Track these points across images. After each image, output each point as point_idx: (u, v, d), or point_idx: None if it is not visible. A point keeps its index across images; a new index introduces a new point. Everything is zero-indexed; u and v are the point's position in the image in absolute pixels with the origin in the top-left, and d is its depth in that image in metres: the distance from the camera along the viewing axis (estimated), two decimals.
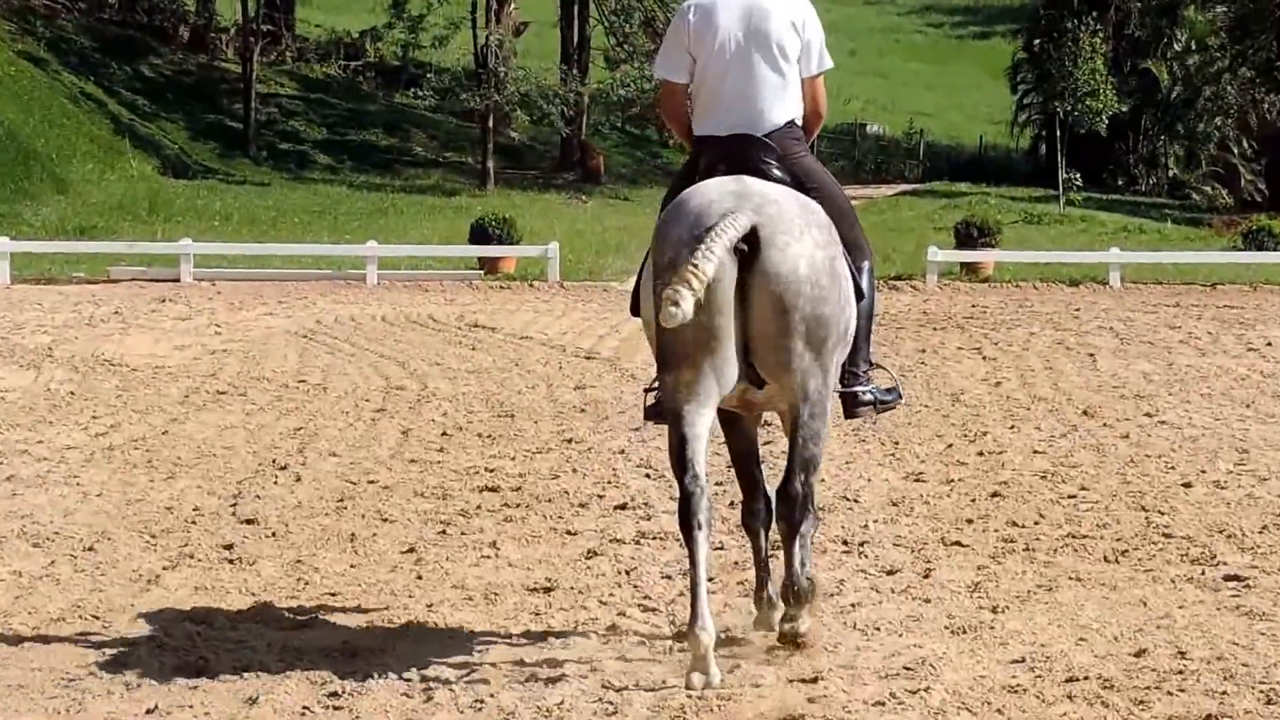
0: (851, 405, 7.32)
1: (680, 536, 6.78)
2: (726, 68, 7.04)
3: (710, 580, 7.12)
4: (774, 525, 7.11)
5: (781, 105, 7.06)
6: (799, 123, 7.17)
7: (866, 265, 7.17)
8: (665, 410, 6.69)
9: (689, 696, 6.27)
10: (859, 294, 7.00)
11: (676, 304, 6.12)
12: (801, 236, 6.57)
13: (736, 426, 7.23)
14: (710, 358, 6.48)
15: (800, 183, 6.99)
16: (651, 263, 6.77)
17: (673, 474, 6.68)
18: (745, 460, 7.27)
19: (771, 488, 7.12)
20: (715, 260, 6.25)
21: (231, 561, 8.61)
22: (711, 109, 7.08)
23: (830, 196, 7.08)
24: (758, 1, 7.06)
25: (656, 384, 6.98)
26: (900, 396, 7.55)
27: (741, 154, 6.96)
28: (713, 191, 6.68)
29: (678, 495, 6.57)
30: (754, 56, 7.03)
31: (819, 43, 7.17)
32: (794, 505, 6.77)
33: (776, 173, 6.95)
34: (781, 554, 7.05)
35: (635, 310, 7.15)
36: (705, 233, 6.38)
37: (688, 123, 7.25)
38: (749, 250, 6.45)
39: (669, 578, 8.17)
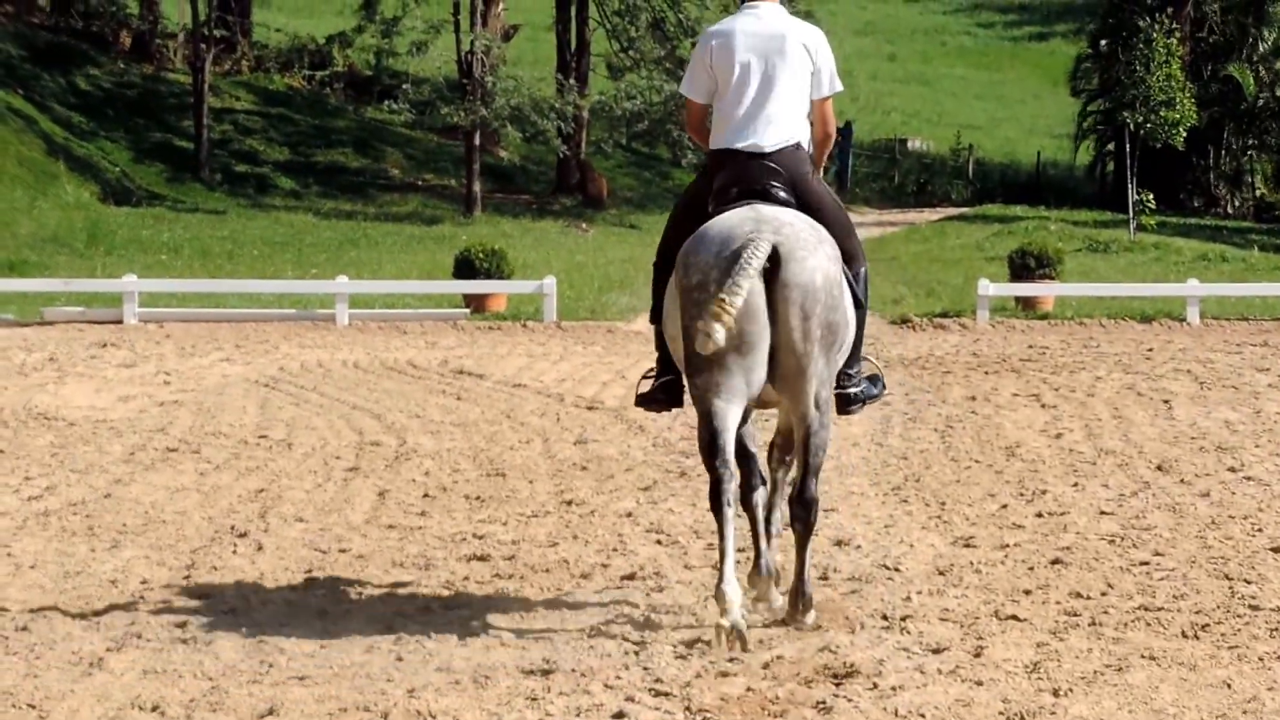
0: (844, 405, 9.16)
1: (712, 517, 8.55)
2: (742, 90, 8.88)
3: (739, 551, 8.84)
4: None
5: (790, 126, 8.88)
6: (805, 144, 8.96)
7: (862, 271, 8.99)
8: (698, 407, 8.48)
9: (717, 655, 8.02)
10: (857, 304, 8.81)
11: (709, 335, 8.01)
12: (815, 251, 8.40)
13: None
14: (741, 361, 8.29)
15: (803, 200, 8.80)
16: (678, 286, 8.49)
17: (703, 462, 8.51)
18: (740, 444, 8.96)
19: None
20: (743, 294, 8.06)
21: (185, 642, 8.66)
22: (727, 126, 8.93)
23: (828, 208, 8.91)
24: (773, 29, 8.93)
25: (654, 372, 9.17)
26: (884, 387, 9.49)
27: (752, 177, 8.78)
28: (734, 219, 8.50)
29: (709, 480, 8.43)
30: (767, 80, 8.88)
31: (829, 67, 9.04)
32: (810, 508, 8.65)
33: (782, 194, 8.76)
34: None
35: (655, 319, 9.05)
36: (732, 256, 8.20)
37: (708, 136, 9.13)
38: (771, 267, 8.23)
39: (684, 658, 8.23)
